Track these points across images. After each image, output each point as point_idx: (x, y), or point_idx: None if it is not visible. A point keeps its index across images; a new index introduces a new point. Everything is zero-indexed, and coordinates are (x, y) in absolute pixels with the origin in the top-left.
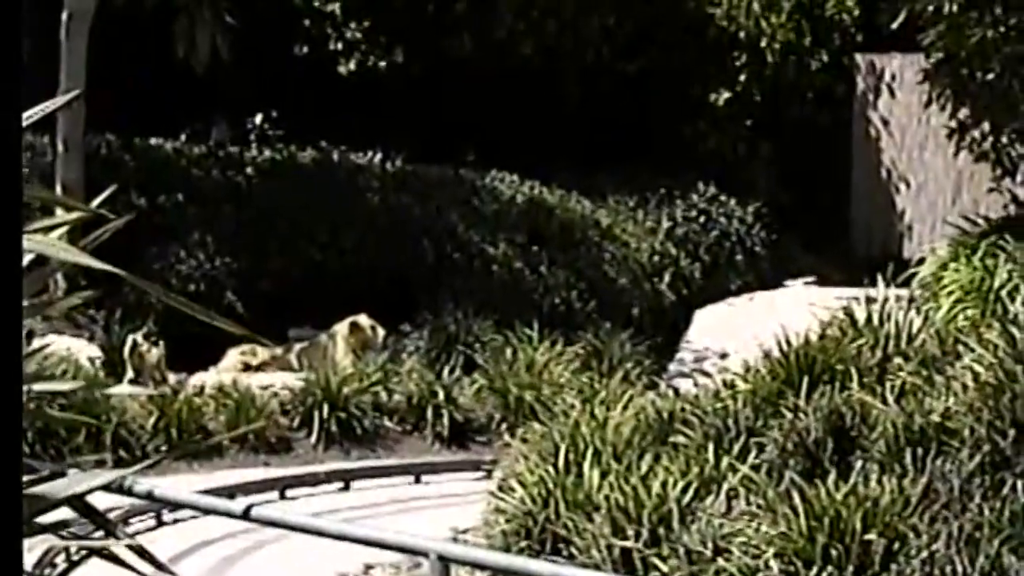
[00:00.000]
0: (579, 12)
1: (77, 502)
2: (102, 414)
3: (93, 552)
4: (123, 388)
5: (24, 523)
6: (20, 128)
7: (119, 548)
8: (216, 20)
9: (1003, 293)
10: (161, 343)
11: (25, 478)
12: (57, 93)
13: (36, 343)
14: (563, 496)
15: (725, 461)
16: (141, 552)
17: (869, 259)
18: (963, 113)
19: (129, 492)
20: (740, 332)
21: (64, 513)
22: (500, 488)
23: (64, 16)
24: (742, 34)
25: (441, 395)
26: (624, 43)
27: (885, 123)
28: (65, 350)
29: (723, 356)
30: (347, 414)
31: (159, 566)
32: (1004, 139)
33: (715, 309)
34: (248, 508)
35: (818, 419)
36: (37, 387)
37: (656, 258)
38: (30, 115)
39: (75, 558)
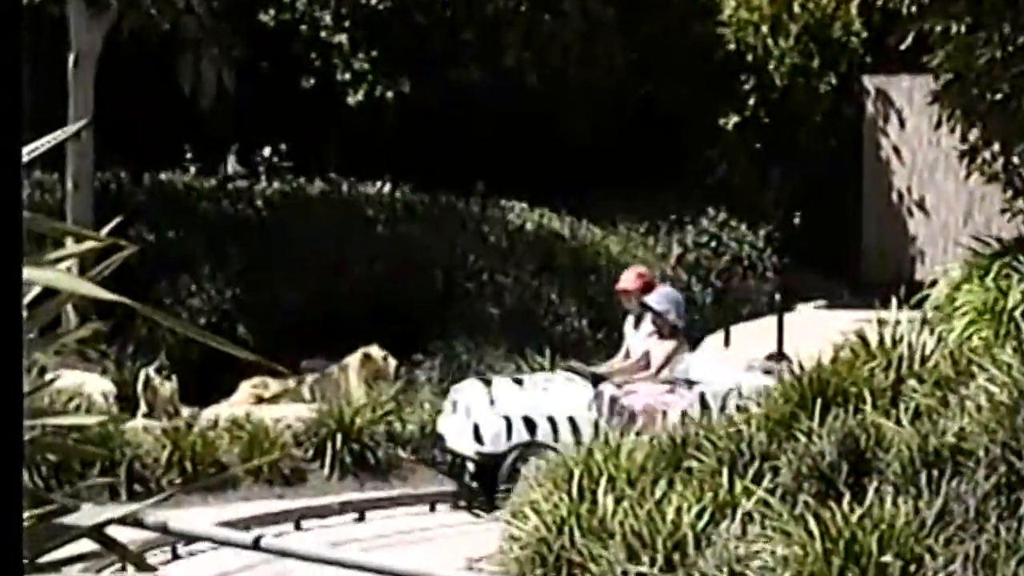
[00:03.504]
0: (585, 39)
1: (97, 534)
2: (116, 448)
3: None
4: (139, 422)
5: (43, 554)
6: (20, 148)
7: None
8: (222, 54)
9: (1016, 313)
10: (174, 377)
11: (42, 510)
12: None
13: (47, 377)
14: (577, 523)
15: (739, 486)
16: None
17: (881, 281)
18: (973, 134)
19: (143, 525)
20: (752, 356)
21: (76, 548)
22: (514, 516)
23: (71, 56)
24: (749, 57)
25: None
26: (631, 69)
27: (895, 145)
28: (76, 384)
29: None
30: (361, 445)
31: None
32: (1015, 159)
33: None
34: (257, 539)
35: (832, 442)
36: (60, 421)
37: (667, 284)
38: (38, 147)
39: None
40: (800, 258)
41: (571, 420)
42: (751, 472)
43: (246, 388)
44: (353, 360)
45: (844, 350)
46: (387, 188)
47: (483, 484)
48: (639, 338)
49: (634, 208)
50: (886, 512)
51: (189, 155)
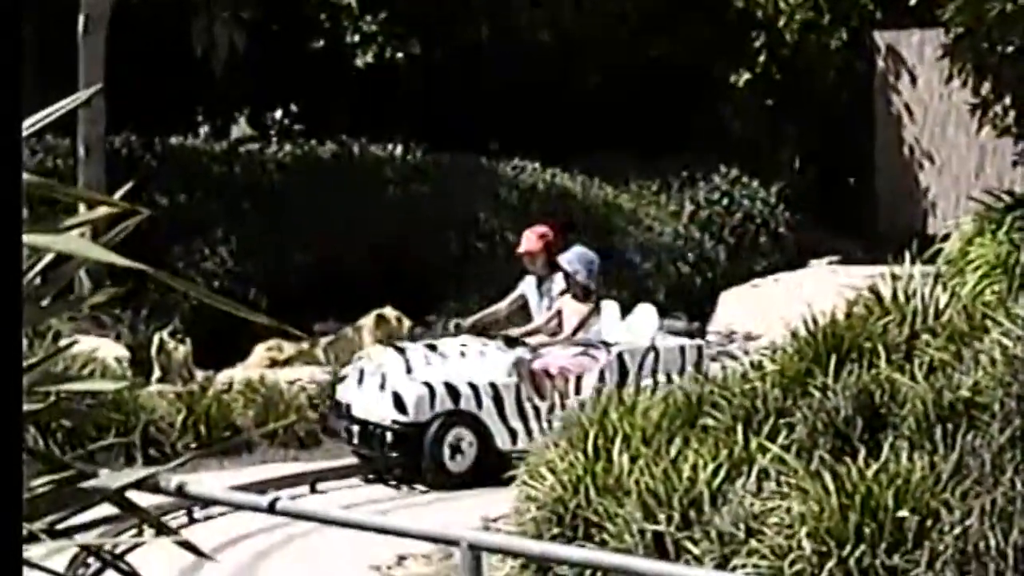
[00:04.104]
0: None
1: (119, 498)
2: (131, 413)
3: (132, 549)
4: (154, 386)
5: (63, 519)
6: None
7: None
8: (233, 17)
9: None
10: (188, 341)
11: (60, 476)
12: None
13: (62, 343)
14: (593, 482)
15: (754, 442)
16: (187, 546)
17: (894, 236)
18: (985, 88)
19: (160, 489)
20: (766, 313)
21: (92, 514)
22: (530, 475)
23: (81, 19)
24: (759, 14)
25: None
26: (642, 26)
27: (906, 101)
28: (91, 350)
29: (749, 338)
30: None
31: (203, 557)
32: None
33: (740, 291)
34: (273, 502)
35: (847, 398)
36: (75, 387)
37: (680, 241)
38: (49, 113)
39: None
40: (812, 214)
41: (492, 386)
42: (766, 429)
43: (260, 351)
44: (367, 321)
45: (858, 305)
46: (399, 149)
47: (403, 454)
48: (546, 300)
49: (646, 166)
50: (902, 467)
51: (200, 118)
